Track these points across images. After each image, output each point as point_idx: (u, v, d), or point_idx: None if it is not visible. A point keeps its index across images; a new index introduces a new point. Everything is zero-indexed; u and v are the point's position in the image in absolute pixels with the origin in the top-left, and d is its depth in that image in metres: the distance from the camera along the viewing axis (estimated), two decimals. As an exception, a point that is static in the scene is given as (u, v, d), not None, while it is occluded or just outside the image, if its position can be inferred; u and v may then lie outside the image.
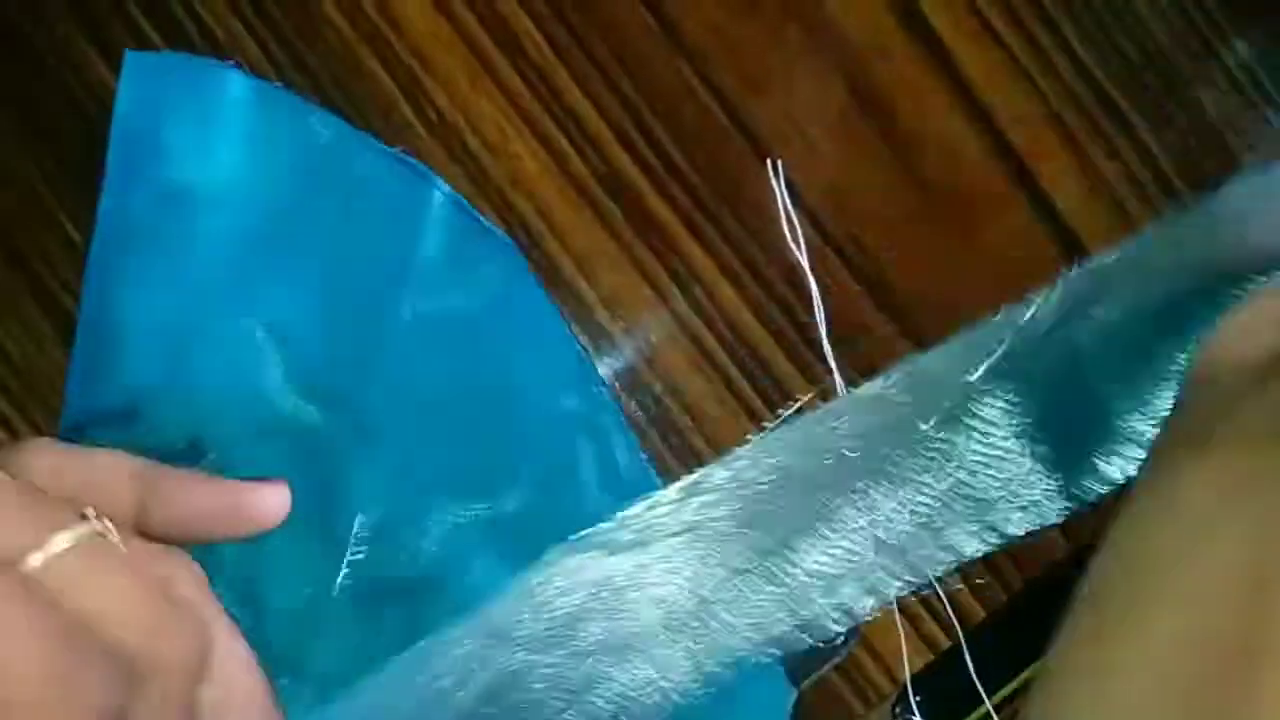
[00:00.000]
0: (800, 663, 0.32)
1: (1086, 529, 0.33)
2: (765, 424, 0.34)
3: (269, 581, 0.31)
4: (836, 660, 0.32)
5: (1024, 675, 0.31)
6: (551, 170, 0.34)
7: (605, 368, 0.33)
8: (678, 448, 0.33)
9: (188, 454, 0.30)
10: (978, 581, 0.33)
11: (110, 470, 0.24)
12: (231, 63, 0.33)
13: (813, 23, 0.34)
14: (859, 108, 0.34)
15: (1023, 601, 0.33)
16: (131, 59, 0.32)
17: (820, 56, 0.34)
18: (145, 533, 0.24)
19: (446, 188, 0.33)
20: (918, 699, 0.31)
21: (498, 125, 0.34)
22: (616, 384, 0.34)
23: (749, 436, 0.34)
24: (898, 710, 0.31)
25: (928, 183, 0.34)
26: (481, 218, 0.33)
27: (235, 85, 0.32)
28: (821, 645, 0.32)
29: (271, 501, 0.25)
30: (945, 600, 0.33)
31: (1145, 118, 0.34)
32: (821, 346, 0.34)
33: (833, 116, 0.34)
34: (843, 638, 0.32)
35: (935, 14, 0.34)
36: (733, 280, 0.34)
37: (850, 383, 0.34)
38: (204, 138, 0.32)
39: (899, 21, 0.34)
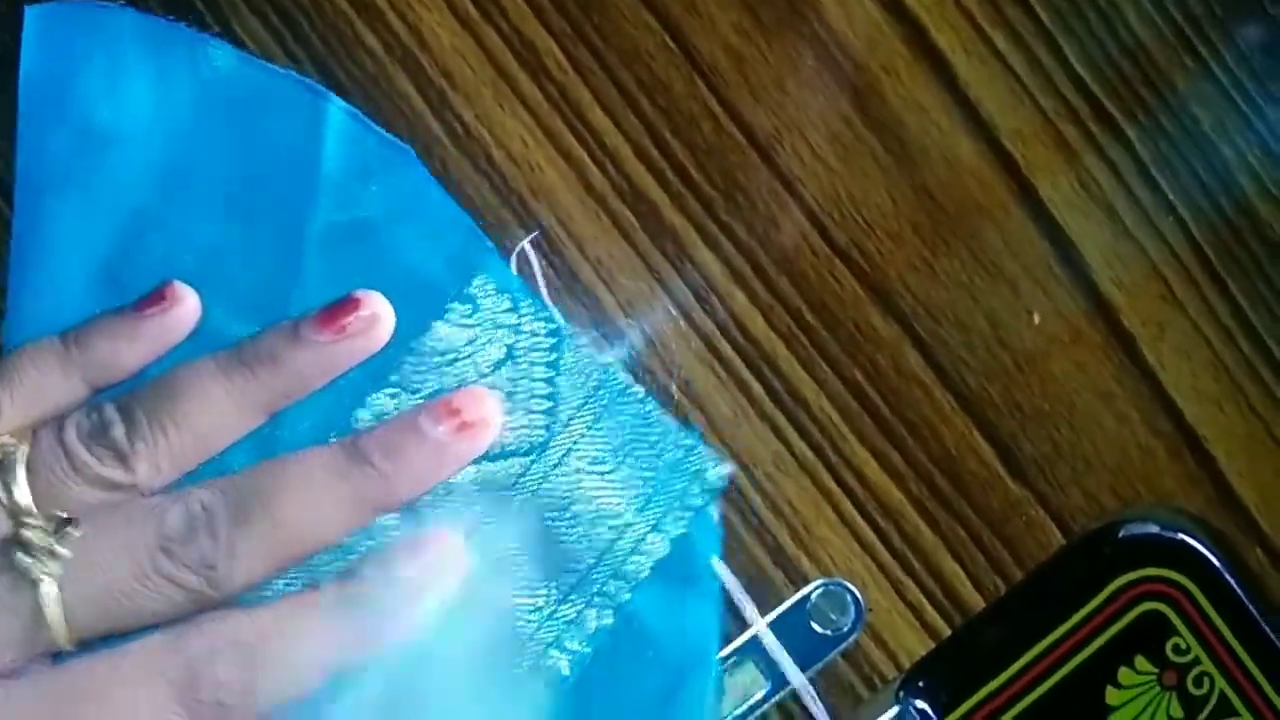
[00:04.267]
0: (808, 650, 0.33)
1: (1082, 523, 0.35)
2: (774, 423, 0.35)
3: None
4: (843, 648, 0.34)
5: (1021, 661, 0.33)
6: (572, 182, 0.35)
7: (622, 364, 0.35)
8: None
9: (127, 383, 0.32)
10: (978, 573, 0.35)
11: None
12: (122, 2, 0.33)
13: (823, 43, 0.36)
14: (866, 123, 0.36)
15: (1020, 592, 0.34)
16: (32, 14, 0.33)
17: (830, 75, 0.36)
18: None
19: (342, 102, 0.33)
20: (921, 683, 0.33)
21: (521, 139, 0.35)
22: (634, 380, 0.35)
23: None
24: (901, 694, 0.33)
25: (931, 194, 0.36)
26: (379, 129, 0.33)
27: (133, 24, 0.33)
28: (829, 634, 0.34)
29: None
30: (946, 592, 0.35)
31: (1138, 128, 0.36)
32: (828, 349, 0.35)
33: (840, 131, 0.36)
34: (849, 625, 0.34)
35: (941, 34, 0.36)
36: (744, 286, 0.35)
37: (849, 383, 0.35)
38: (110, 79, 0.33)
39: (906, 43, 0.36)
